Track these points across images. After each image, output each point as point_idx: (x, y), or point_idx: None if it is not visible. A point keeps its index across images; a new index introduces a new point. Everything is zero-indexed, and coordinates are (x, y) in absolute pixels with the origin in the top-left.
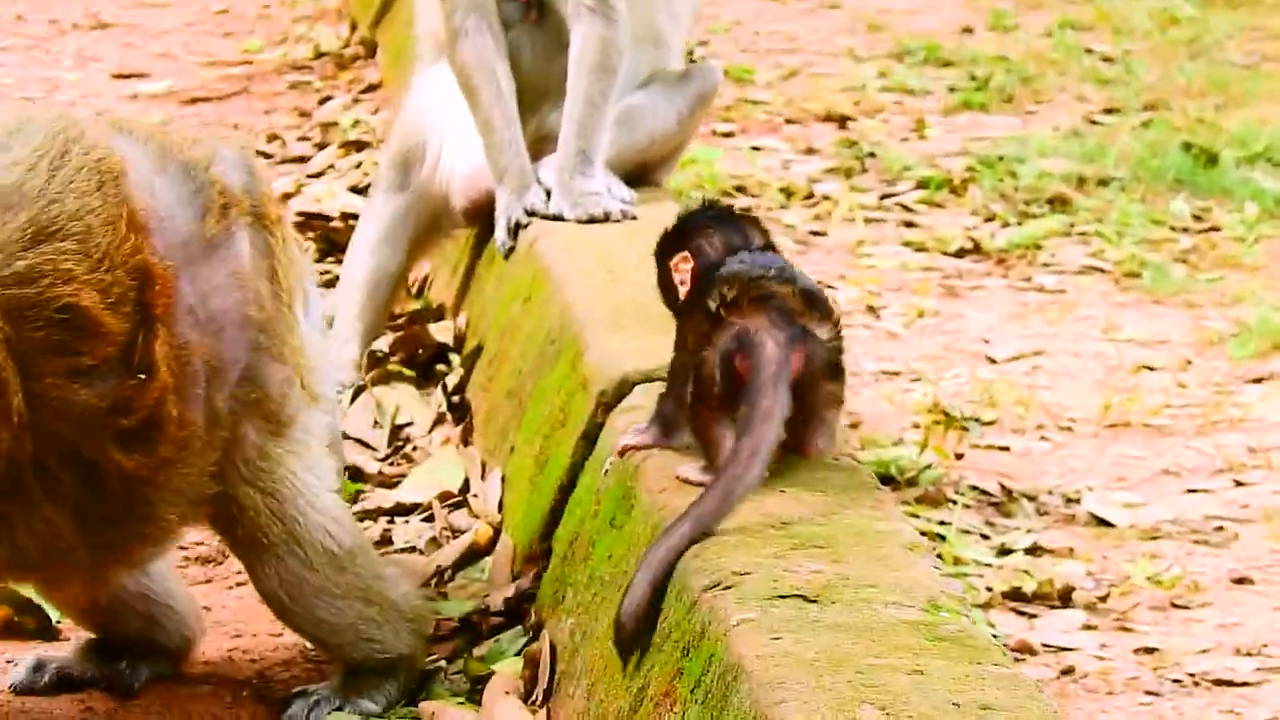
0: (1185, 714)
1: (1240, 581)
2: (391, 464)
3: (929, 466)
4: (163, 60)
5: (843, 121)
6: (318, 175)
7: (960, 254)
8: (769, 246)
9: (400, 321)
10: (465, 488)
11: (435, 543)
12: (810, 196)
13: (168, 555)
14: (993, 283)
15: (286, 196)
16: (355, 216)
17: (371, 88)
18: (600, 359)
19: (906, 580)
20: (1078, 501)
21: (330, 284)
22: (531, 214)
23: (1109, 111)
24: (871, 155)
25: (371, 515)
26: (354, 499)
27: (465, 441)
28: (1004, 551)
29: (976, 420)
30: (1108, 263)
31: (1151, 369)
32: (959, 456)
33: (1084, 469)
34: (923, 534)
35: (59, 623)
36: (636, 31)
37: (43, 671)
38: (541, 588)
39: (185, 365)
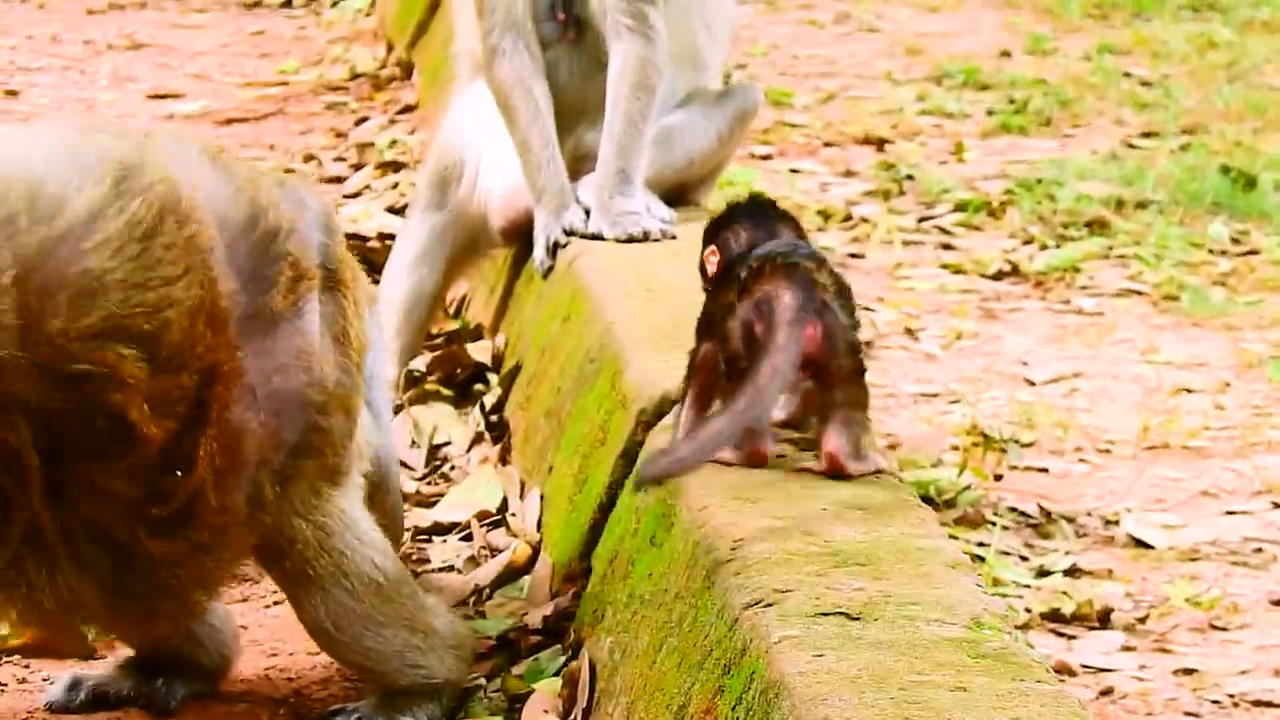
0: None
1: (1279, 603)
2: (429, 483)
3: (968, 488)
4: (198, 81)
5: (881, 144)
6: (354, 196)
7: (998, 276)
8: (799, 237)
9: (438, 341)
10: (503, 507)
11: (473, 561)
12: (848, 219)
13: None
14: (1031, 305)
15: None
16: (392, 236)
17: (408, 108)
18: (640, 378)
19: (949, 598)
20: (1116, 523)
21: None
22: (570, 233)
23: (1147, 135)
24: (910, 178)
25: (410, 534)
26: None
27: (503, 461)
28: (1043, 573)
29: (1015, 442)
30: (1146, 285)
31: (1190, 391)
32: (998, 478)
33: (1123, 491)
34: None
35: (95, 641)
36: (675, 50)
37: (79, 690)
38: (581, 606)
39: (233, 455)
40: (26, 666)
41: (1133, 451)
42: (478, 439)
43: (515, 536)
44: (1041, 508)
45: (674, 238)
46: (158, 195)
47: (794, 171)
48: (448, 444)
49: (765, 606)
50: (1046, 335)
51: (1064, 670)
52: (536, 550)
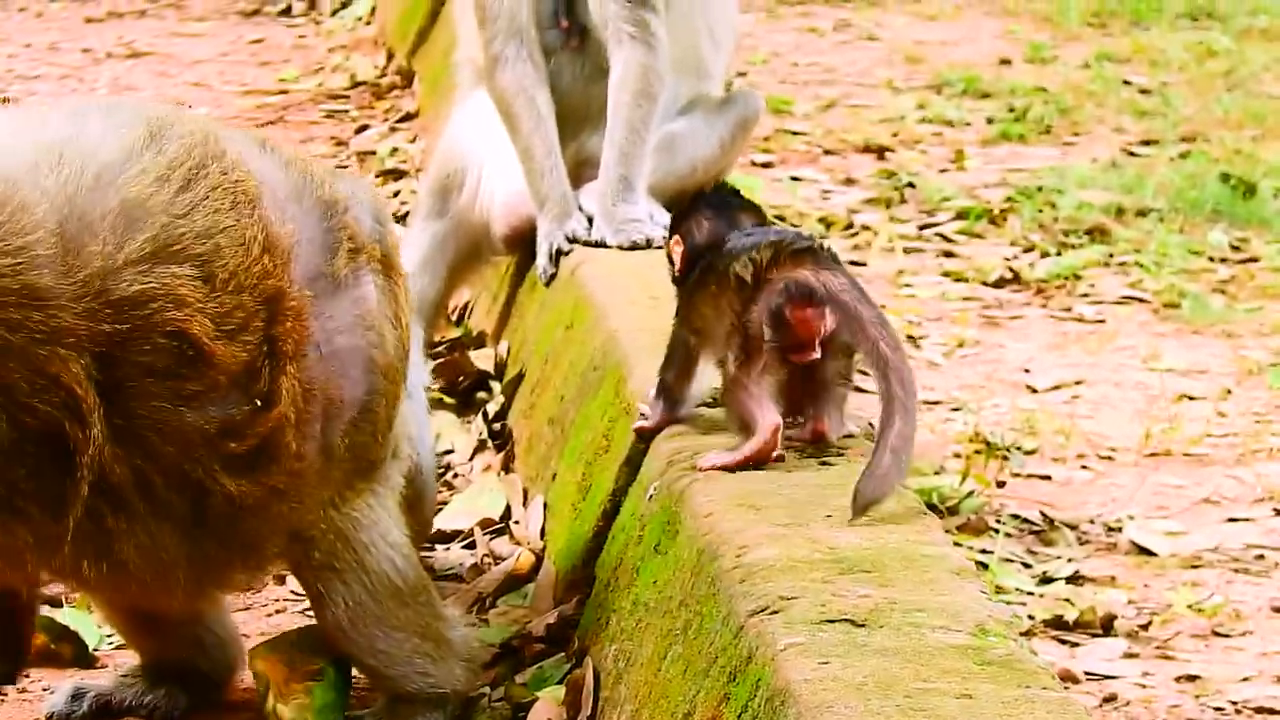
0: None
1: None
2: None
3: (970, 495)
4: (197, 89)
5: (881, 152)
6: None
7: (1000, 284)
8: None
9: (440, 349)
10: (507, 514)
11: (477, 569)
12: (850, 227)
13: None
14: (1032, 313)
15: None
16: None
17: (408, 116)
18: (644, 385)
19: (954, 604)
20: (1119, 530)
21: None
22: (573, 241)
23: (1147, 143)
24: (910, 186)
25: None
26: None
27: (506, 468)
28: (1045, 580)
29: (1017, 449)
30: (1147, 293)
31: (1191, 398)
32: (1000, 485)
33: (1125, 498)
34: None
35: (96, 650)
36: (678, 58)
37: (81, 700)
38: (584, 614)
39: (308, 400)
40: (26, 675)
41: (1135, 459)
42: (481, 447)
43: (519, 544)
44: (1044, 515)
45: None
46: (197, 142)
47: (795, 179)
48: (450, 452)
49: (770, 614)
50: (1048, 343)
51: (1067, 677)
52: (540, 558)
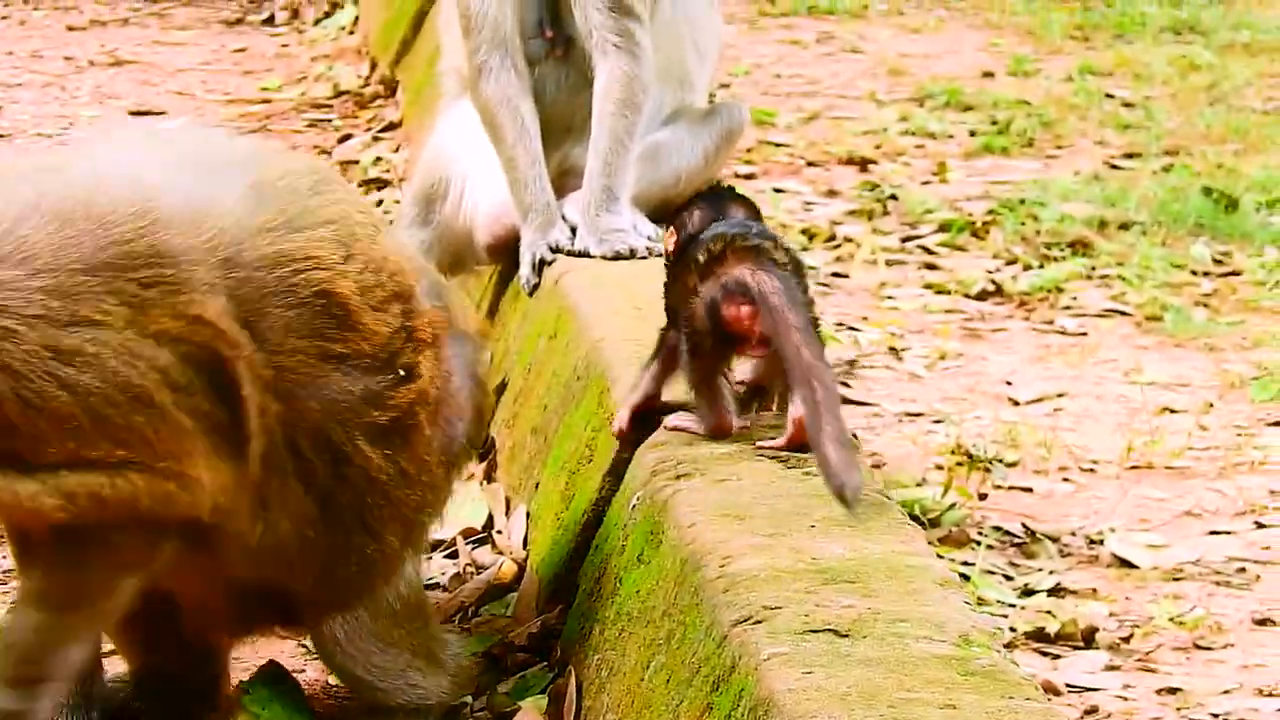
0: None
1: (1262, 623)
2: None
3: (952, 507)
4: (180, 98)
5: (864, 164)
6: None
7: (982, 296)
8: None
9: None
10: (489, 524)
11: (459, 579)
12: (832, 239)
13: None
14: (1015, 325)
15: None
16: None
17: (391, 126)
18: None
19: (938, 615)
20: (1100, 543)
21: None
22: (556, 250)
23: (1130, 156)
24: (893, 198)
25: None
26: None
27: (489, 478)
28: (1027, 592)
29: (999, 461)
30: (1129, 306)
31: (1173, 411)
32: (982, 497)
33: (1106, 510)
34: None
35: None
36: (662, 68)
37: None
38: (567, 623)
39: (442, 389)
40: None
41: (1116, 471)
42: None
43: (501, 554)
44: (1026, 527)
45: (661, 255)
46: (307, 164)
47: (778, 191)
48: None
49: (754, 623)
50: (1030, 355)
51: (1049, 690)
52: (523, 567)
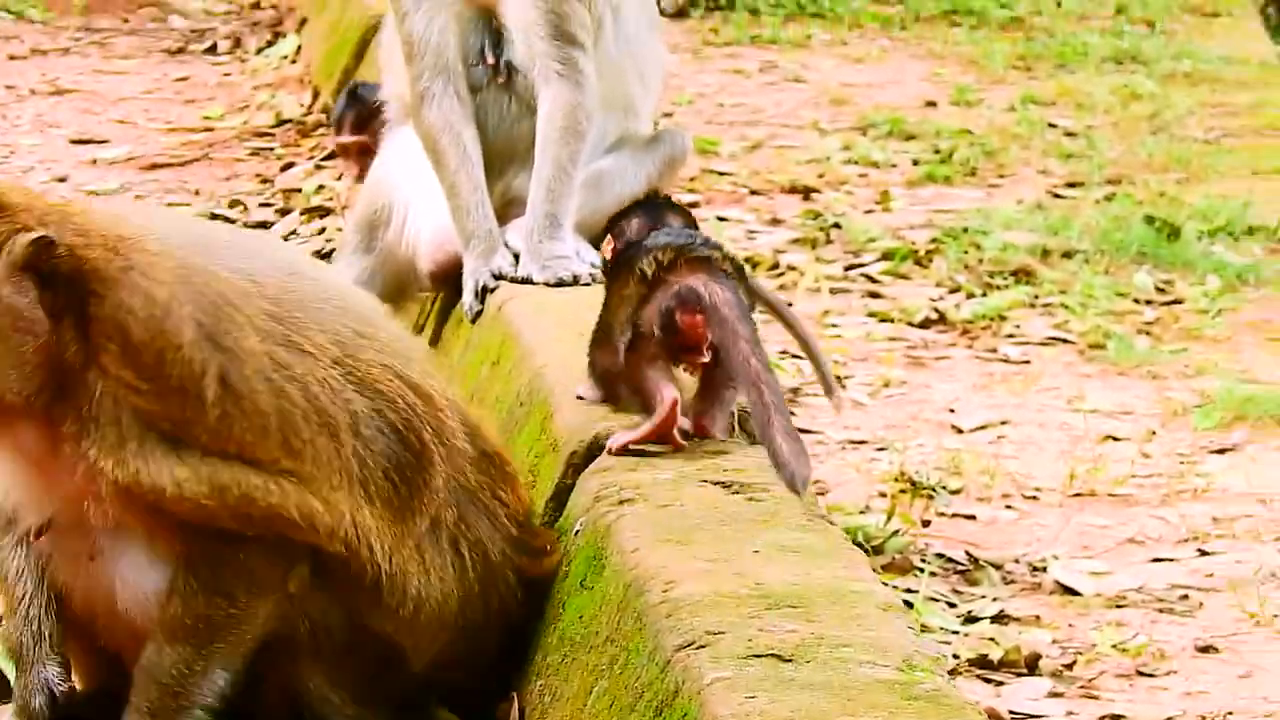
0: None
1: (1205, 650)
2: None
3: (896, 534)
4: (122, 126)
5: (807, 193)
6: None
7: (925, 325)
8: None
9: None
10: None
11: None
12: (775, 267)
13: None
14: (958, 353)
15: None
16: None
17: (333, 155)
18: (570, 421)
19: (881, 639)
20: (1044, 570)
21: None
22: (499, 277)
23: (1072, 185)
24: (836, 226)
25: None
26: None
27: None
28: (970, 619)
29: (943, 489)
30: (1072, 334)
31: (1116, 439)
32: (925, 524)
33: (1049, 538)
34: None
35: None
36: (606, 96)
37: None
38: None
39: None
40: None
41: (1059, 499)
42: None
43: None
44: (969, 554)
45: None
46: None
47: (721, 219)
48: None
49: (697, 648)
50: (973, 383)
51: (993, 716)
52: None
